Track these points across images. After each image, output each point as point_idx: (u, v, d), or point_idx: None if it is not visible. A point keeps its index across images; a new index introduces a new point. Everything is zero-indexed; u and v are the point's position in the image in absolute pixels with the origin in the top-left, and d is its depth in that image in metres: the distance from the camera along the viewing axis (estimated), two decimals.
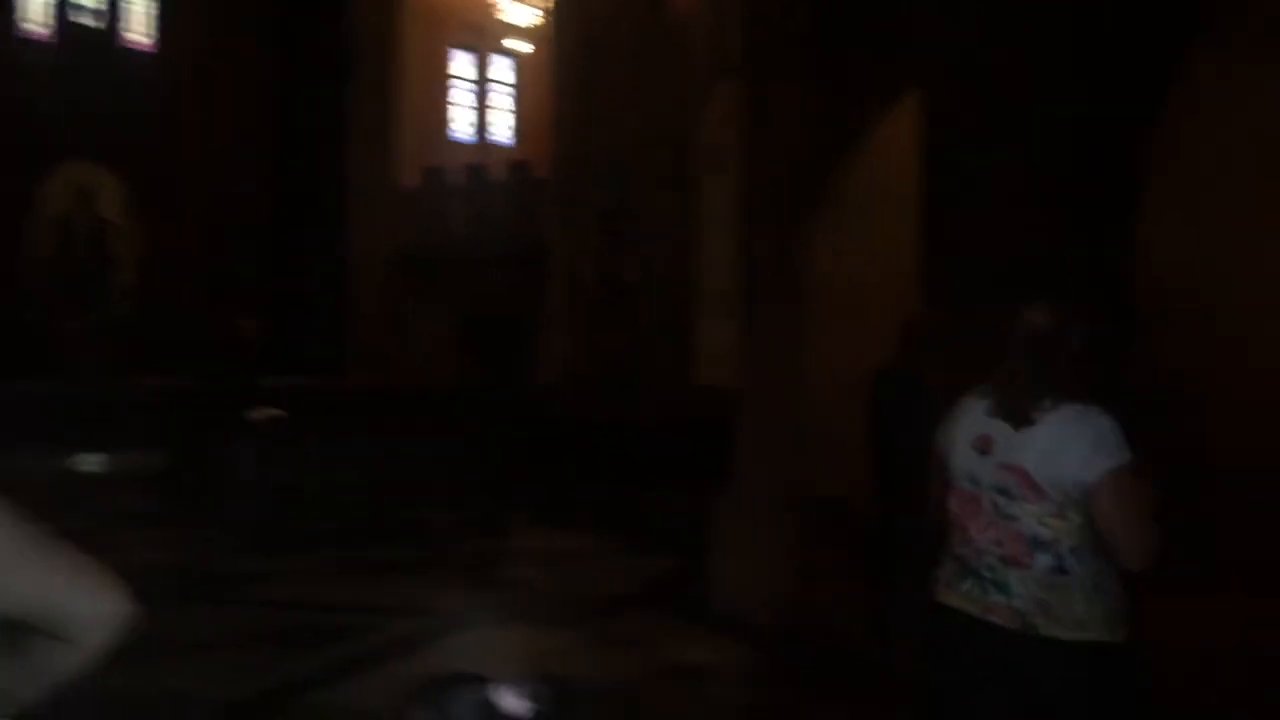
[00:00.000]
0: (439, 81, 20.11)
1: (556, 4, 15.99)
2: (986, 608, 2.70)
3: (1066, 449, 2.64)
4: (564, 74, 15.53)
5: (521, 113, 20.01)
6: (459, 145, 20.09)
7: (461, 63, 20.38)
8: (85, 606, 1.51)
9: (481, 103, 20.41)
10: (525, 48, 18.33)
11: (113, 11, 19.87)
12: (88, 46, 19.38)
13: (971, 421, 2.80)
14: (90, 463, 13.25)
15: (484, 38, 19.50)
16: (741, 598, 6.57)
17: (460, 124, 20.36)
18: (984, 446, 2.74)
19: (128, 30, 20.05)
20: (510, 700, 1.31)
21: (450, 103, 20.35)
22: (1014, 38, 4.95)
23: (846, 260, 6.46)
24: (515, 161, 18.07)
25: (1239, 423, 4.47)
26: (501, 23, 17.90)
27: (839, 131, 6.47)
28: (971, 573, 2.75)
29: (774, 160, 6.77)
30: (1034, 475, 2.66)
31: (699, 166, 14.38)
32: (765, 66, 6.92)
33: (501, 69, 20.46)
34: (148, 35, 20.24)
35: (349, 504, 9.93)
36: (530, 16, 17.63)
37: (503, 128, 20.54)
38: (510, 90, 20.49)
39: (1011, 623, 2.65)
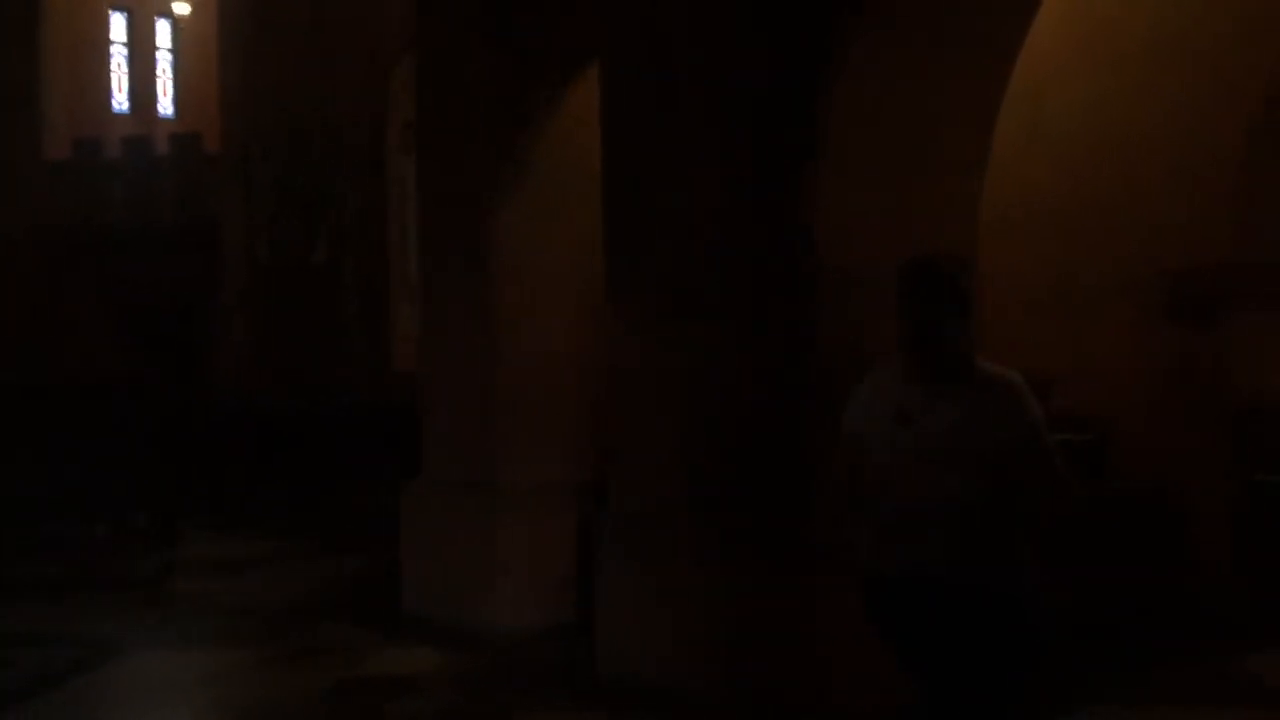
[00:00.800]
0: (93, 45, 18.22)
1: None
2: (912, 566, 2.88)
3: (988, 411, 2.84)
4: (230, 39, 14.39)
5: (183, 81, 18.43)
6: (119, 116, 18.31)
7: (118, 25, 18.56)
8: None
9: (139, 69, 18.64)
10: (184, 9, 16.88)
11: None
12: None
13: (888, 394, 2.94)
14: None
15: None
16: (432, 599, 6.21)
17: (119, 92, 18.56)
18: (904, 415, 2.87)
19: None
20: None
21: (109, 70, 18.50)
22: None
23: (543, 237, 6.20)
24: (180, 134, 16.62)
25: None
26: None
27: (524, 104, 6.19)
28: (891, 537, 2.91)
29: (454, 134, 6.40)
30: (957, 438, 2.82)
31: (391, 144, 13.75)
32: (441, 34, 6.52)
33: (164, 33, 18.78)
34: None
35: None
36: None
37: (166, 97, 18.88)
38: (170, 56, 18.83)
39: (937, 575, 2.84)
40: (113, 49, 18.52)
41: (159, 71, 18.85)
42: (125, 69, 18.64)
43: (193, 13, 16.90)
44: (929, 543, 2.84)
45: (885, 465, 2.92)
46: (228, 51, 14.51)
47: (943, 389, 2.87)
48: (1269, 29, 5.69)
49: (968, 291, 2.90)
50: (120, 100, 18.54)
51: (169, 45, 18.75)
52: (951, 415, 2.84)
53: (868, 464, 2.98)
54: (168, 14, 18.13)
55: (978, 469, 2.82)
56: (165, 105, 18.79)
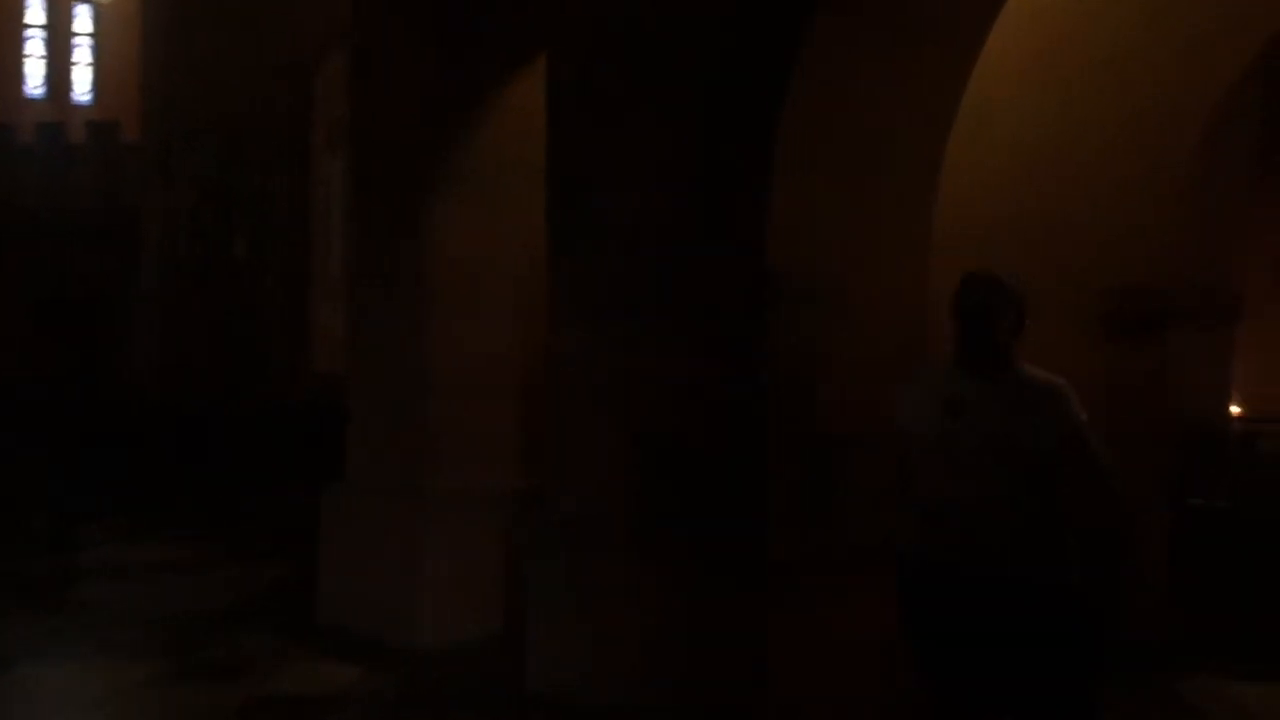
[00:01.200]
0: (9, 28, 17.54)
1: None
2: (958, 557, 2.98)
3: (1033, 410, 3.00)
4: (154, 25, 13.93)
5: (103, 67, 17.80)
6: (34, 102, 17.63)
7: (35, 8, 17.88)
8: None
9: (57, 54, 17.98)
10: None
11: None
12: None
13: (938, 388, 3.11)
14: None
15: None
16: (352, 611, 5.92)
17: (34, 77, 17.86)
18: (953, 408, 3.03)
19: None
20: None
21: (24, 55, 17.81)
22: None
23: (478, 234, 5.98)
24: (98, 121, 16.02)
25: (865, 401, 4.44)
26: None
27: (462, 99, 5.97)
28: (940, 527, 3.03)
29: (389, 129, 6.14)
30: (1002, 432, 2.97)
31: (316, 138, 13.39)
32: (376, 25, 6.26)
33: (82, 18, 18.12)
34: None
35: None
36: None
37: (83, 83, 18.20)
38: (90, 42, 18.17)
39: (983, 567, 2.95)
40: (31, 32, 17.84)
41: (77, 58, 18.18)
42: (43, 53, 17.96)
43: None
44: (974, 534, 2.96)
45: (933, 457, 3.06)
46: (150, 39, 14.04)
47: (991, 386, 3.03)
48: (1219, 46, 5.68)
49: (1022, 302, 3.11)
50: (35, 85, 17.85)
51: (90, 30, 18.10)
52: (998, 410, 3.00)
53: (916, 458, 3.13)
54: None
55: (1022, 464, 2.95)
56: (82, 93, 18.13)
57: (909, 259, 4.72)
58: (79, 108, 17.59)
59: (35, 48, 17.93)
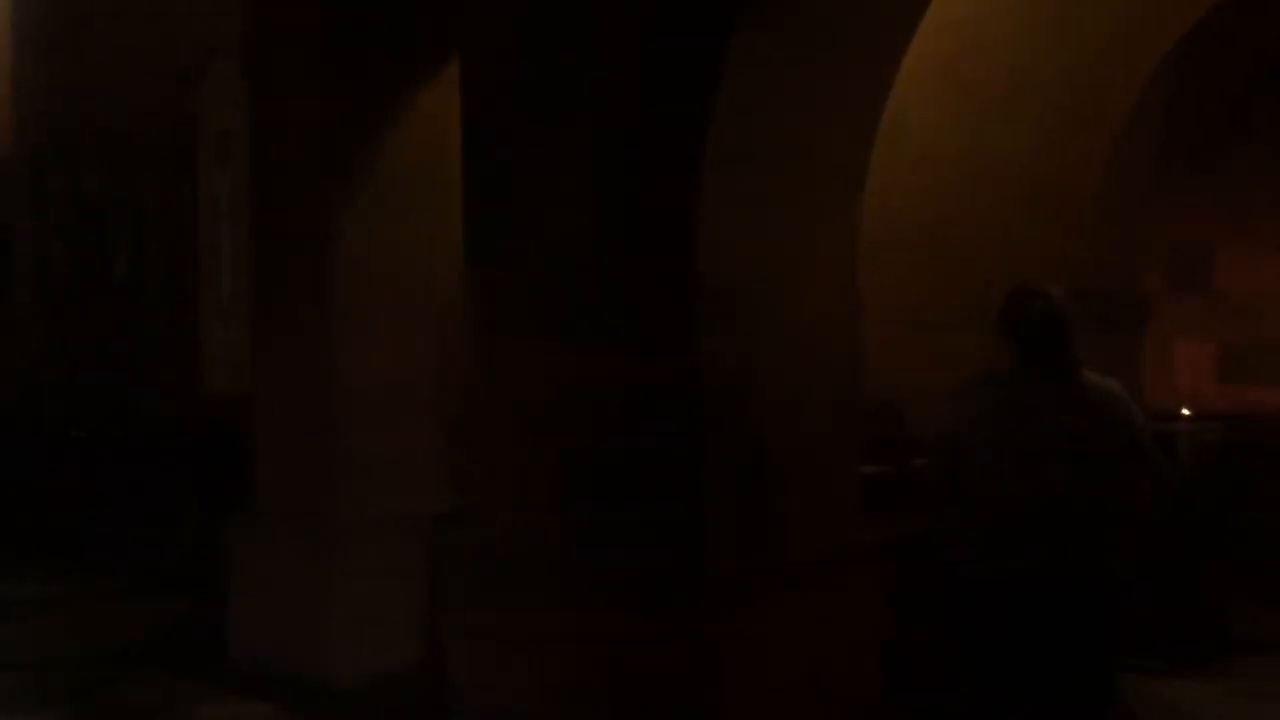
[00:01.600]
0: None
1: None
2: (1024, 563, 3.09)
3: (1097, 412, 3.17)
4: (25, 32, 13.29)
5: None
6: None
7: None
8: None
9: None
10: None
11: None
12: None
13: (1002, 396, 3.24)
14: None
15: None
16: (264, 646, 5.63)
17: None
18: (1020, 414, 3.17)
19: None
20: None
21: None
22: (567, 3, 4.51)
23: (391, 244, 5.77)
24: None
25: (800, 413, 4.37)
26: None
27: (368, 108, 5.75)
28: (1002, 535, 3.13)
29: (288, 142, 5.88)
30: (1078, 435, 3.13)
31: (203, 151, 12.92)
32: (269, 33, 5.98)
33: None
34: None
35: None
36: None
37: None
38: None
39: (1048, 571, 3.07)
40: None
41: None
42: None
43: None
44: (1042, 532, 3.08)
45: (997, 464, 3.15)
46: (21, 47, 13.38)
47: (1058, 390, 3.19)
48: (1129, 50, 5.80)
49: (1074, 314, 3.30)
50: None
51: None
52: (1068, 413, 3.16)
53: (971, 465, 3.20)
54: None
55: (1089, 464, 3.11)
56: None
57: (837, 269, 4.67)
58: None
59: None
